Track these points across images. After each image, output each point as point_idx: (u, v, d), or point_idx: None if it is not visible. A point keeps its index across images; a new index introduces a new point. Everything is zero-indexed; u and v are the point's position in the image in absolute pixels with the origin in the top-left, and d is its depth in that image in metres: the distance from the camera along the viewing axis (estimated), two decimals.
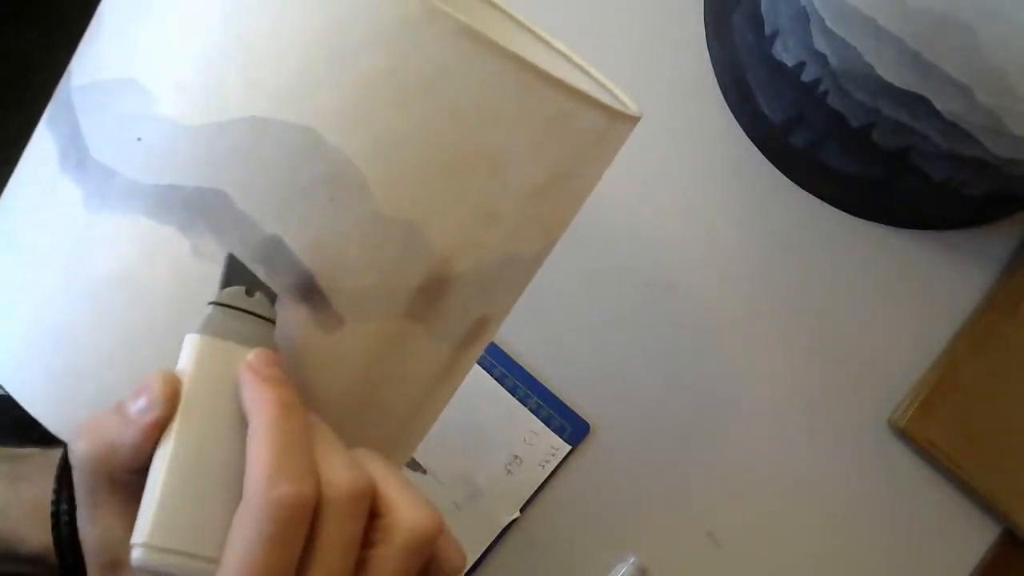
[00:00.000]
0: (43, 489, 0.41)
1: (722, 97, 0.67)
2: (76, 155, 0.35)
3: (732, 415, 0.64)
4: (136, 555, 0.31)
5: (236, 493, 0.32)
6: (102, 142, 0.35)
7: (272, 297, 0.34)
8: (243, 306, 0.33)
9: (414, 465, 0.60)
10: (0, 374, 0.37)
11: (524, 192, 0.36)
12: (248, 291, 0.33)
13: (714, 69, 0.67)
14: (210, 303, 0.33)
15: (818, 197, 0.66)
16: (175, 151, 0.34)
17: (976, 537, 0.65)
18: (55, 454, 0.42)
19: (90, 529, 0.33)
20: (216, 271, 0.34)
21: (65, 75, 0.38)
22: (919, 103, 0.53)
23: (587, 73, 0.47)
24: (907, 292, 0.66)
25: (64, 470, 0.39)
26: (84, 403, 0.35)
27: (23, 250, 0.37)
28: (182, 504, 0.32)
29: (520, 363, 0.62)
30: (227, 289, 0.33)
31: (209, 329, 0.33)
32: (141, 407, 0.32)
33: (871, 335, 0.66)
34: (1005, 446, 0.64)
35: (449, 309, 0.37)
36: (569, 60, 0.48)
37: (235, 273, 0.34)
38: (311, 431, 0.33)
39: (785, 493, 0.64)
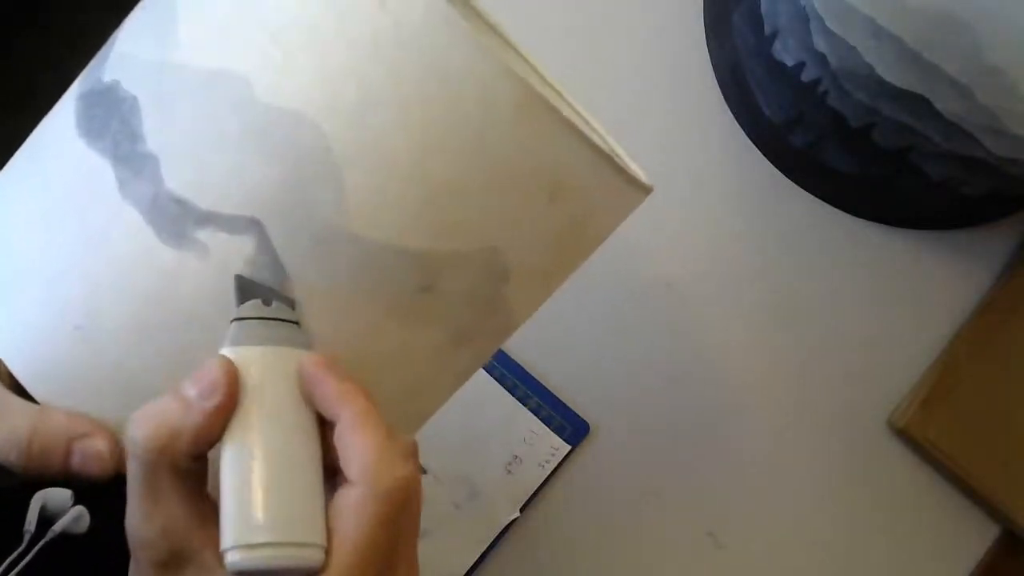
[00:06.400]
0: None
1: (722, 97, 0.67)
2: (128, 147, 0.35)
3: (732, 415, 0.64)
4: (233, 559, 0.31)
5: (313, 482, 0.32)
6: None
7: (290, 303, 0.34)
8: (265, 315, 0.34)
9: None
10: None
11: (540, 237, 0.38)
12: (265, 302, 0.34)
13: (714, 69, 0.67)
14: (233, 319, 0.34)
15: (818, 197, 0.66)
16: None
17: (976, 537, 0.64)
18: None
19: (147, 523, 0.32)
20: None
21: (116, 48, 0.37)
22: (919, 103, 0.53)
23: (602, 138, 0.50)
24: (907, 292, 0.66)
25: None
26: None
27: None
28: (270, 497, 0.32)
29: (520, 363, 0.62)
30: (245, 304, 0.34)
31: (240, 340, 0.33)
32: (203, 391, 0.32)
33: (871, 335, 0.66)
34: (1005, 446, 0.64)
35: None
36: (588, 124, 0.51)
37: (247, 289, 0.34)
38: None
39: (785, 493, 0.64)
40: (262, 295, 0.34)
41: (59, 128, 0.38)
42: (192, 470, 0.33)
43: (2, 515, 0.39)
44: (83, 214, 0.36)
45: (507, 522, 0.60)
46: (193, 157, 0.34)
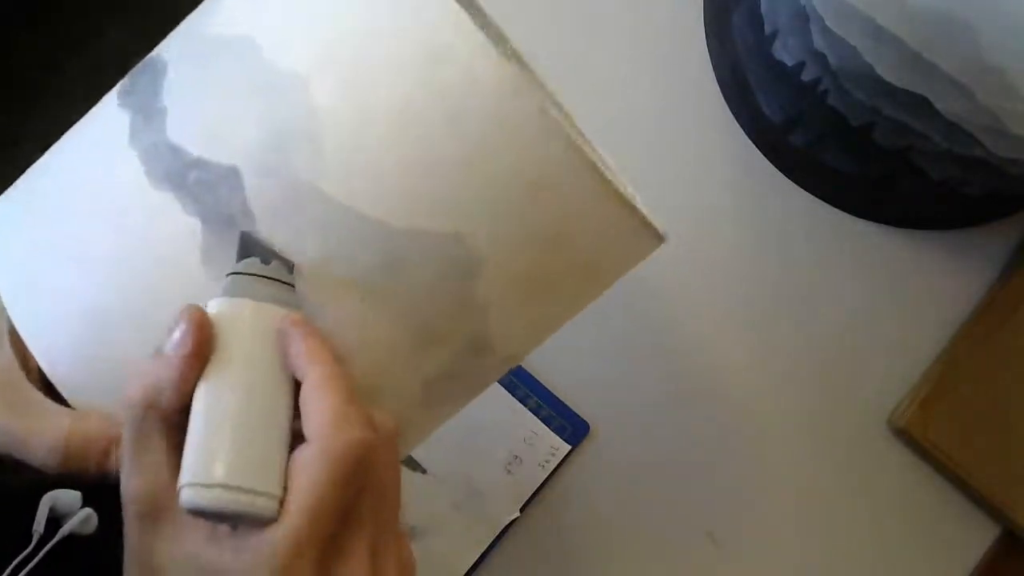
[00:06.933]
0: None
1: (722, 97, 0.67)
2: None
3: (731, 415, 0.64)
4: (186, 495, 0.31)
5: (278, 436, 0.33)
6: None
7: (288, 265, 0.35)
8: (260, 272, 0.35)
9: (413, 465, 0.60)
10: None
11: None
12: (264, 260, 0.35)
13: (714, 69, 0.67)
14: (229, 273, 0.35)
15: (818, 197, 0.66)
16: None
17: (976, 537, 0.64)
18: None
19: (135, 479, 0.33)
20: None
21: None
22: (919, 103, 0.53)
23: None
24: (907, 292, 0.66)
25: None
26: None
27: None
28: (231, 442, 0.32)
29: (520, 363, 0.62)
30: (244, 260, 0.35)
31: (232, 292, 0.34)
32: (175, 342, 0.33)
33: (871, 335, 0.65)
34: (1005, 446, 0.64)
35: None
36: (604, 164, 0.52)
37: (249, 247, 0.35)
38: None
39: (785, 493, 0.64)
40: (261, 254, 0.35)
41: (104, 101, 0.40)
42: (181, 424, 0.34)
43: (11, 516, 0.40)
44: (95, 164, 0.38)
45: (507, 522, 0.60)
46: (195, 110, 0.37)
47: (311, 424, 0.33)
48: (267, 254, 0.35)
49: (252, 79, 0.36)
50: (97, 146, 0.39)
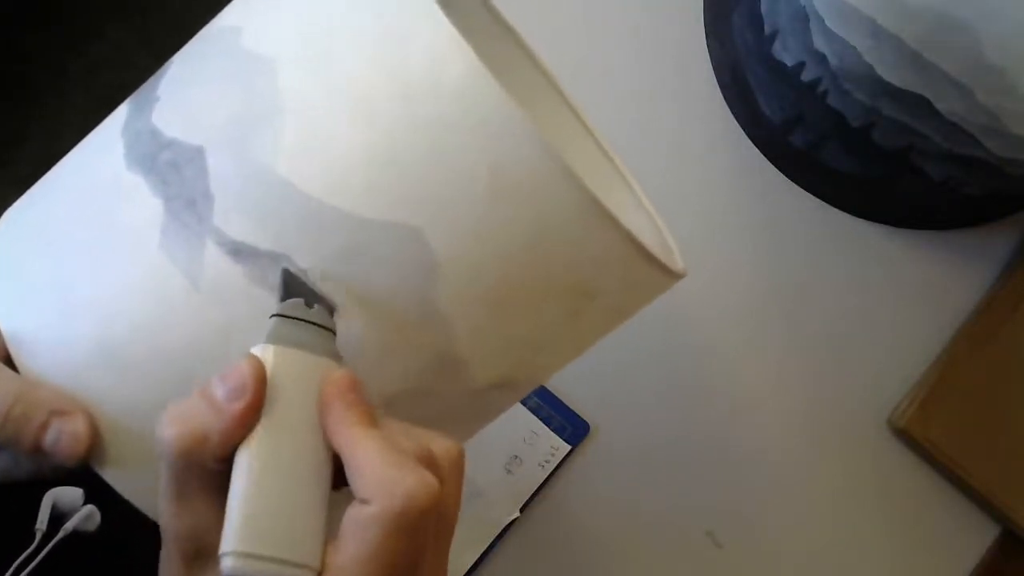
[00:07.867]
0: None
1: (722, 97, 0.67)
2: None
3: (732, 415, 0.64)
4: (229, 564, 0.30)
5: (317, 502, 0.32)
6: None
7: (330, 309, 0.34)
8: (306, 317, 0.33)
9: None
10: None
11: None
12: (307, 303, 0.34)
13: (714, 69, 0.67)
14: (273, 315, 0.33)
15: (818, 197, 0.66)
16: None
17: (976, 537, 0.65)
18: None
19: (177, 521, 0.32)
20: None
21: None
22: (919, 103, 0.53)
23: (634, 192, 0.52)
24: (907, 292, 0.66)
25: None
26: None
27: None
28: (271, 509, 0.31)
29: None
30: (288, 301, 0.34)
31: (277, 339, 0.33)
32: (233, 393, 0.31)
33: (871, 335, 0.66)
34: (1005, 446, 0.64)
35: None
36: (622, 175, 0.53)
37: (292, 286, 0.34)
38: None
39: (785, 493, 0.64)
40: (305, 295, 0.34)
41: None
42: (220, 471, 0.33)
43: (13, 513, 0.40)
44: (86, 150, 0.39)
45: (507, 522, 0.60)
46: (179, 95, 0.37)
47: (359, 484, 0.31)
48: (310, 296, 0.34)
49: (228, 63, 0.36)
50: (95, 134, 0.40)
